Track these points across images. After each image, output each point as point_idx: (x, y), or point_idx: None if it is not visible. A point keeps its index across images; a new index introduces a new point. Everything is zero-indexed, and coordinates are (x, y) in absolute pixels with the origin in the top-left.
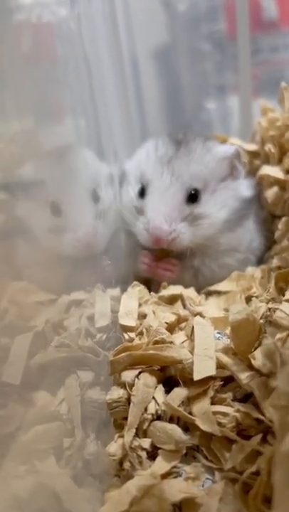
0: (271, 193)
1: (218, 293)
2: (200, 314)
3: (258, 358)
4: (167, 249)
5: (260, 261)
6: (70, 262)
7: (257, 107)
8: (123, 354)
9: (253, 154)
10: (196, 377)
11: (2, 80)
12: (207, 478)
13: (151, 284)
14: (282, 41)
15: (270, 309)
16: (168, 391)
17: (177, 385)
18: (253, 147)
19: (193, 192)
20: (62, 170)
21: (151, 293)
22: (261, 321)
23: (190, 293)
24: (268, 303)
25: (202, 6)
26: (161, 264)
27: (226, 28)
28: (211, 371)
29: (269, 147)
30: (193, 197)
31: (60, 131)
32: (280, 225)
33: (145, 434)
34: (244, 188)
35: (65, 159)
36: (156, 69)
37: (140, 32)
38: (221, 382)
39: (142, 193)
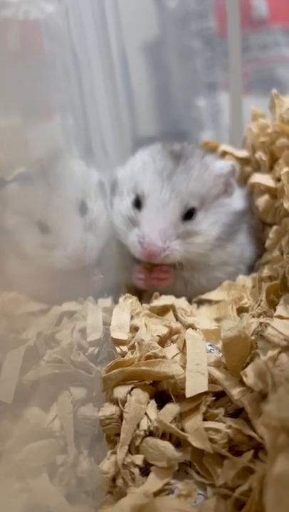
0: (262, 201)
1: (210, 302)
2: (192, 326)
3: (249, 376)
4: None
5: (251, 268)
6: (61, 273)
7: (247, 105)
8: (115, 370)
9: (244, 161)
10: (189, 394)
11: None
12: (199, 494)
13: (143, 292)
14: (272, 39)
15: (261, 324)
16: (160, 405)
17: (169, 398)
18: (243, 154)
19: (190, 210)
20: (48, 186)
21: (143, 304)
22: (253, 337)
23: (181, 303)
24: (259, 316)
25: (192, 3)
26: (154, 274)
27: (216, 25)
28: (203, 388)
29: (260, 155)
30: (189, 214)
31: (47, 130)
32: (271, 234)
33: (138, 451)
34: (236, 201)
35: (51, 174)
36: (146, 65)
37: (130, 27)
38: (213, 398)
39: (137, 203)
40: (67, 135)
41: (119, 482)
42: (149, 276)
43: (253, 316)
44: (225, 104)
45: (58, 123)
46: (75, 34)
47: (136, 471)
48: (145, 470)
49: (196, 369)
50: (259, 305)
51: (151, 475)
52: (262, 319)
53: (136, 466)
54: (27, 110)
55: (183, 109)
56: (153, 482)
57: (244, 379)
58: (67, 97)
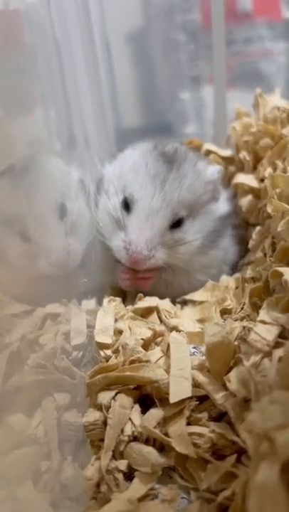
0: (245, 201)
1: (193, 302)
2: (175, 328)
3: (232, 382)
4: None
5: (235, 268)
6: (45, 276)
7: (231, 98)
8: (99, 376)
9: (228, 160)
10: (172, 399)
11: None
12: (183, 498)
13: (127, 293)
14: (256, 33)
15: (244, 328)
16: (144, 409)
17: (153, 402)
18: (227, 153)
19: (178, 219)
20: (25, 194)
21: (127, 307)
22: (236, 342)
23: (165, 305)
24: (242, 320)
25: None
26: (140, 274)
27: (200, 18)
28: (187, 393)
29: (244, 154)
30: (177, 223)
31: (29, 123)
32: (254, 235)
33: (122, 456)
34: (221, 205)
35: (28, 180)
36: (130, 56)
37: (113, 17)
38: (197, 402)
39: (126, 206)
40: (50, 127)
41: (103, 488)
42: (134, 277)
43: (236, 320)
44: (209, 97)
45: (40, 115)
46: (58, 24)
47: (120, 476)
48: (129, 475)
49: (179, 374)
50: (242, 308)
51: (135, 480)
52: (245, 323)
53: (120, 471)
54: (8, 103)
55: (167, 102)
56: (137, 487)
57: (227, 384)
58: (49, 88)
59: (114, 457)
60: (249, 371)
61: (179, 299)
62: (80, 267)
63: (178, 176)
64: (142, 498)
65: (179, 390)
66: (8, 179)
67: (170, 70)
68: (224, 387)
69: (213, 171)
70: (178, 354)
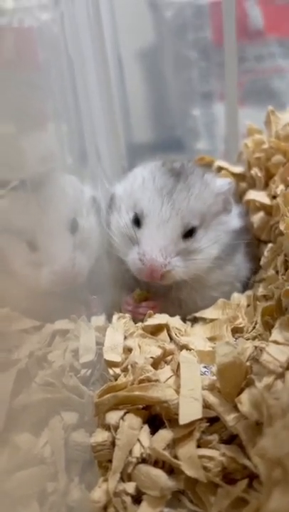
0: (257, 218)
1: (204, 320)
2: (186, 347)
3: (244, 404)
4: (148, 294)
5: (246, 285)
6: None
7: (242, 115)
8: (108, 395)
9: (240, 177)
10: (182, 421)
11: None
12: None
13: None
14: (267, 50)
15: (256, 348)
16: (153, 430)
17: (162, 422)
18: (239, 169)
19: (190, 228)
20: (39, 205)
21: (137, 324)
22: (248, 363)
23: (175, 322)
24: (254, 339)
25: (189, 13)
26: (142, 309)
27: (212, 35)
28: (197, 415)
29: (255, 171)
30: (189, 232)
31: (42, 138)
32: (266, 252)
33: (130, 478)
34: (234, 219)
35: (42, 192)
36: (142, 72)
37: (125, 34)
38: (207, 424)
39: (137, 221)
40: (62, 142)
41: (111, 511)
42: (136, 311)
43: (248, 339)
44: (220, 114)
45: (52, 130)
46: (71, 41)
47: (128, 499)
48: (137, 498)
49: (189, 394)
50: (254, 327)
51: (144, 504)
52: (257, 343)
53: (128, 494)
54: (21, 118)
55: (178, 118)
56: (145, 511)
57: (239, 406)
58: (61, 104)
59: (122, 479)
60: (261, 393)
61: (189, 316)
62: (87, 283)
63: (185, 187)
64: None
65: (189, 411)
66: (22, 192)
67: (181, 87)
68: (235, 408)
69: (222, 182)
70: (188, 374)
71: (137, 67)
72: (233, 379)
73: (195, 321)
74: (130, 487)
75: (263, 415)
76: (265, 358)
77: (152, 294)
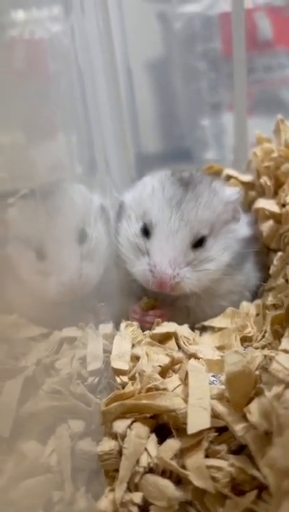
0: (266, 226)
1: (213, 329)
2: (194, 356)
3: (253, 413)
4: (155, 302)
5: (255, 294)
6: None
7: (251, 126)
8: (115, 404)
9: (249, 186)
10: (190, 430)
11: None
12: None
13: None
14: (277, 61)
15: (266, 357)
16: (161, 440)
17: (170, 431)
18: (248, 178)
19: (200, 238)
20: (48, 214)
21: (145, 332)
22: (257, 372)
23: (184, 331)
24: (263, 348)
25: (197, 24)
26: (149, 318)
27: (221, 46)
28: (206, 424)
29: (264, 180)
30: (199, 242)
31: (51, 148)
32: (276, 260)
33: (137, 488)
34: (243, 228)
35: (51, 201)
36: (151, 83)
37: (135, 46)
38: (216, 434)
39: (146, 231)
40: (71, 153)
41: None
42: (144, 319)
43: (257, 348)
44: (229, 124)
45: (62, 141)
46: (81, 52)
47: (135, 509)
48: (144, 509)
49: (198, 403)
50: (263, 336)
51: None
52: (266, 352)
53: (134, 504)
54: (31, 128)
55: (187, 128)
56: None
57: (248, 416)
58: (71, 115)
59: (128, 489)
60: (271, 403)
61: (198, 324)
62: (96, 292)
63: (194, 196)
64: None
65: (197, 420)
66: (31, 200)
67: (190, 97)
68: (244, 418)
69: (231, 191)
70: (196, 383)
71: (146, 78)
72: (242, 388)
73: (203, 329)
74: (137, 497)
75: (272, 425)
76: (274, 367)
77: (160, 302)
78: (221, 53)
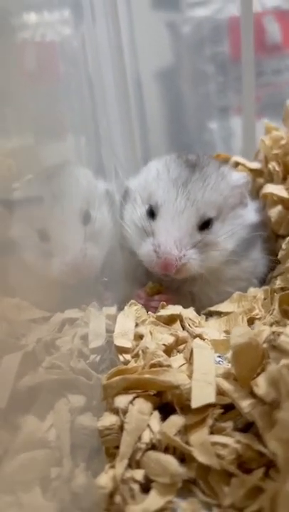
0: (275, 212)
1: (219, 314)
2: (200, 336)
3: (260, 386)
4: (160, 287)
5: (263, 281)
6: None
7: (259, 128)
8: (117, 378)
9: (256, 173)
10: (194, 404)
11: (5, 97)
12: None
13: None
14: (285, 64)
15: (274, 333)
16: (164, 418)
17: (174, 411)
18: (256, 165)
19: (206, 220)
20: (51, 194)
21: (149, 312)
22: (265, 345)
23: (189, 313)
24: (271, 325)
25: (206, 28)
26: (154, 303)
27: (229, 50)
28: (210, 398)
29: (273, 165)
30: (205, 224)
31: (60, 149)
32: (284, 244)
33: (138, 465)
34: (251, 213)
35: (55, 182)
36: (160, 90)
37: (144, 54)
38: (221, 410)
39: (151, 213)
40: (80, 157)
41: (118, 499)
42: (148, 304)
43: (265, 325)
44: (237, 127)
45: (70, 144)
46: (91, 59)
47: (136, 487)
48: (146, 486)
49: (202, 378)
50: (271, 313)
51: (153, 492)
52: (274, 328)
53: (136, 481)
54: (40, 130)
55: (195, 132)
56: (154, 499)
57: (255, 389)
58: (80, 118)
59: (130, 466)
60: (279, 371)
61: (203, 310)
62: (99, 276)
63: (201, 177)
64: (158, 511)
65: (202, 394)
66: (36, 180)
67: (199, 101)
68: (251, 395)
69: (239, 176)
70: (201, 359)
71: (155, 82)
72: (249, 362)
73: (210, 315)
74: (138, 474)
75: (280, 393)
76: (283, 339)
77: (165, 288)
78: (229, 57)
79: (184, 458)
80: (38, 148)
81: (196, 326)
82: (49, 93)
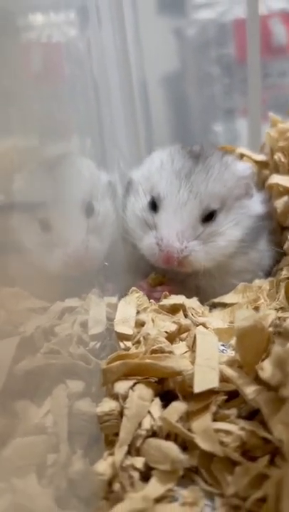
0: (280, 203)
1: (223, 305)
2: (203, 325)
3: (266, 369)
4: (163, 278)
5: (268, 275)
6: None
7: (265, 130)
8: (117, 363)
9: (262, 164)
10: (197, 389)
11: (10, 97)
12: (206, 505)
13: None
14: None
15: (279, 318)
16: (165, 407)
17: (176, 399)
18: (261, 157)
19: (210, 212)
20: (53, 184)
21: (151, 301)
22: (270, 329)
23: (193, 303)
24: (277, 311)
25: (211, 30)
26: (156, 294)
27: (235, 52)
28: (214, 383)
29: (279, 156)
30: (209, 216)
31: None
32: None
33: (138, 453)
34: (256, 205)
35: (57, 172)
36: (165, 91)
37: (150, 58)
38: (225, 397)
39: (154, 205)
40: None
41: (116, 487)
42: (151, 295)
43: (271, 309)
44: (242, 129)
45: (75, 143)
46: (96, 60)
47: (135, 474)
48: (146, 475)
49: (206, 363)
50: (277, 300)
51: (153, 479)
52: (280, 314)
53: (136, 469)
54: (45, 130)
55: (200, 134)
56: (154, 487)
57: (260, 373)
58: (85, 120)
59: (129, 453)
60: (286, 351)
61: (207, 302)
62: (101, 268)
63: (204, 168)
64: (159, 499)
65: (205, 379)
66: (39, 169)
67: (204, 103)
68: (256, 381)
69: (244, 166)
70: (204, 345)
71: (160, 83)
72: (254, 346)
73: (213, 306)
74: (138, 462)
75: (287, 375)
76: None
77: (168, 280)
78: (234, 59)
79: (186, 446)
80: (42, 147)
81: (200, 316)
82: (54, 94)
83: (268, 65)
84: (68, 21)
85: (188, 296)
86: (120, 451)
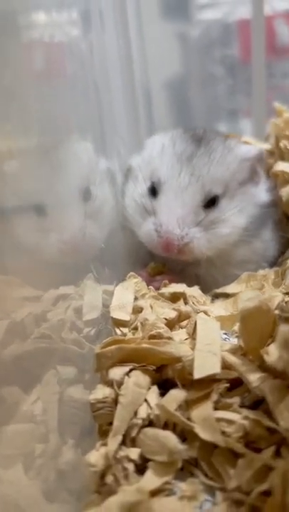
0: (286, 191)
1: (226, 296)
2: (205, 312)
3: (271, 353)
4: (163, 267)
5: (274, 264)
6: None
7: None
8: (112, 347)
9: (267, 153)
10: (197, 375)
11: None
12: (206, 500)
13: None
14: None
15: (286, 302)
16: (163, 395)
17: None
18: (266, 146)
19: (212, 197)
20: (49, 168)
21: (150, 287)
22: (276, 312)
23: (194, 292)
24: (284, 295)
25: (215, 31)
26: (156, 283)
27: (239, 52)
28: (215, 369)
29: (285, 143)
30: (211, 202)
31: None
32: None
33: (134, 443)
34: (262, 192)
35: (54, 155)
36: (169, 95)
37: (154, 63)
38: (227, 385)
39: (153, 191)
40: None
41: (109, 479)
42: (150, 284)
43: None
44: (246, 130)
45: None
46: (98, 62)
47: (130, 466)
48: (142, 467)
49: (206, 349)
50: (284, 284)
51: (149, 471)
52: (287, 298)
53: (130, 460)
54: (45, 129)
55: None
56: (150, 479)
57: (265, 357)
58: (86, 120)
59: (124, 444)
60: None
61: (209, 292)
62: (99, 256)
63: (206, 152)
64: (155, 492)
65: (206, 365)
66: (35, 154)
67: (208, 103)
68: (261, 368)
69: (248, 149)
70: (205, 330)
71: (164, 83)
72: (259, 329)
73: (216, 297)
74: (134, 453)
75: None
76: None
77: (168, 269)
78: (238, 59)
79: (185, 437)
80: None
81: (201, 305)
82: (55, 92)
83: (272, 65)
84: (71, 20)
85: (188, 286)
86: (114, 441)
